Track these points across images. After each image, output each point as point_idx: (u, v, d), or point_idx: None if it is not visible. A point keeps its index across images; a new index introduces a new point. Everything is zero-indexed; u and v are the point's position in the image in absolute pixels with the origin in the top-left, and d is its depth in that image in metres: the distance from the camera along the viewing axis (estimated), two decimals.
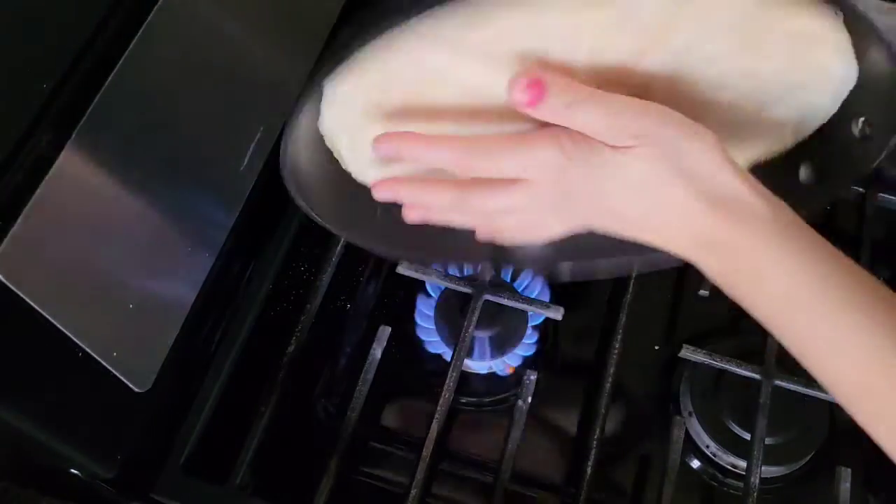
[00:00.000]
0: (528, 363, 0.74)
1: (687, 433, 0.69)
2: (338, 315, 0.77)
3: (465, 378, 0.73)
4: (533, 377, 0.68)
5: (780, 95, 0.53)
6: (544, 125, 0.48)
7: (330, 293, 0.71)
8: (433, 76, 0.50)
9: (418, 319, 0.75)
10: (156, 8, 0.54)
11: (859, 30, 0.50)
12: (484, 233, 0.54)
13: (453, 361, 0.68)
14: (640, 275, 0.72)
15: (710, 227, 0.45)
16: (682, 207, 0.46)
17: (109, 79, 0.51)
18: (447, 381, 0.67)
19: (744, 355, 0.70)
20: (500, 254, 0.58)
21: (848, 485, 0.64)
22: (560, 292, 0.75)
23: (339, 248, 0.73)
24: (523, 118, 0.48)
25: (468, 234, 0.55)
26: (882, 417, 0.43)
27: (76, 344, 0.52)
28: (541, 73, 0.46)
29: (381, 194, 0.54)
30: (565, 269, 0.66)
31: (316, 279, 0.71)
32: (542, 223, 0.52)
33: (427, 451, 0.64)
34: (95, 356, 0.53)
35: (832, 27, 0.49)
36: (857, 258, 0.73)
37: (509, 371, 0.75)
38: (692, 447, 0.71)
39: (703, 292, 0.75)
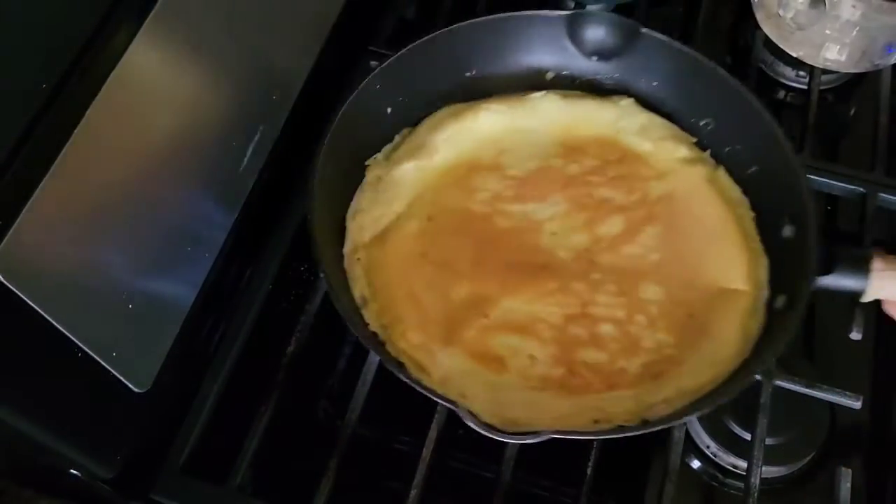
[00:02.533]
0: None
1: (687, 433, 0.69)
2: (338, 315, 0.77)
3: None
4: None
5: None
6: None
7: None
8: None
9: None
10: (155, 7, 0.54)
11: None
12: None
13: None
14: None
15: None
16: None
17: (109, 78, 0.51)
18: None
19: None
20: None
21: (848, 485, 0.64)
22: None
23: None
24: None
25: None
26: None
27: (75, 344, 0.52)
28: None
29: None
30: None
31: (316, 279, 0.71)
32: None
33: (427, 451, 0.64)
34: (95, 356, 0.53)
35: None
36: None
37: None
38: (692, 447, 0.71)
39: None
